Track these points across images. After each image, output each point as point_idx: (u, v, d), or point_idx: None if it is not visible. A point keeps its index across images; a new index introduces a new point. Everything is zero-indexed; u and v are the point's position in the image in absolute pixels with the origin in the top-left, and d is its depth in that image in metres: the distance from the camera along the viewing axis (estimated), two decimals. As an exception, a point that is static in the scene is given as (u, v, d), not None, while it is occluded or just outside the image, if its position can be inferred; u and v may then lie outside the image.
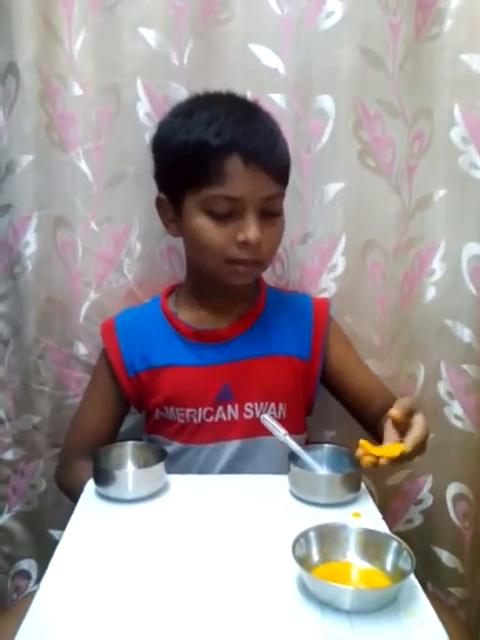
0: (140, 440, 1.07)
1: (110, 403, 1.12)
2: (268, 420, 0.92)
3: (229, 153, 0.93)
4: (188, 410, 1.05)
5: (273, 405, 1.06)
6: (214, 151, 0.93)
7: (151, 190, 1.18)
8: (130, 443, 0.93)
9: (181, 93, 1.14)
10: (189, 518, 0.83)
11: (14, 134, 1.15)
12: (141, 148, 1.16)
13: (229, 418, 1.04)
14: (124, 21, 1.13)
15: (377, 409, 1.03)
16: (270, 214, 0.98)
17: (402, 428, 0.88)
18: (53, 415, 1.29)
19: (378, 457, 0.82)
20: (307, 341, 1.09)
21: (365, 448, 0.84)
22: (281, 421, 0.97)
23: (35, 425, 1.30)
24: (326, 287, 1.22)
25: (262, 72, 1.13)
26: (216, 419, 1.04)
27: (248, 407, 1.05)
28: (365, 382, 1.12)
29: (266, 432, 0.94)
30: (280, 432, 0.91)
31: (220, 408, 1.04)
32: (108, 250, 1.23)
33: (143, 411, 1.14)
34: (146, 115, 1.16)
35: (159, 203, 1.06)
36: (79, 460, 1.09)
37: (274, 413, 1.05)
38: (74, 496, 0.94)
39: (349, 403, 1.13)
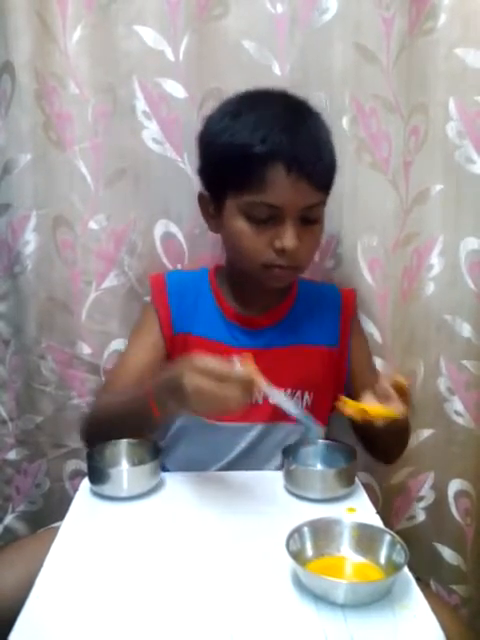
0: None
1: (156, 350, 1.09)
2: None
3: (273, 161, 0.92)
4: None
5: (299, 393, 1.07)
6: (257, 158, 0.92)
7: (150, 188, 1.19)
8: (124, 441, 0.93)
9: (177, 90, 1.15)
10: (184, 515, 0.83)
11: (11, 133, 1.16)
12: (138, 146, 1.18)
13: (254, 401, 1.04)
14: (119, 18, 1.13)
15: None
16: (310, 221, 0.98)
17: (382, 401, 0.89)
18: (56, 415, 1.30)
19: (366, 412, 0.85)
20: (336, 328, 1.11)
21: (348, 402, 0.87)
22: (307, 409, 0.99)
23: (38, 425, 1.31)
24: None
25: (256, 69, 1.13)
26: None
27: None
28: (370, 384, 1.10)
29: (288, 418, 0.93)
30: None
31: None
32: (108, 248, 1.23)
33: None
34: (143, 113, 1.16)
35: (201, 199, 1.06)
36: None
37: (300, 401, 1.06)
38: (102, 420, 0.99)
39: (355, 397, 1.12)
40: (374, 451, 1.12)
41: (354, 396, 1.08)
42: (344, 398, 0.89)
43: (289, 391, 1.05)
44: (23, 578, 0.83)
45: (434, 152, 1.18)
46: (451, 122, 1.15)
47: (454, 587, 1.32)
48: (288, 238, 0.95)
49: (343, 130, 1.15)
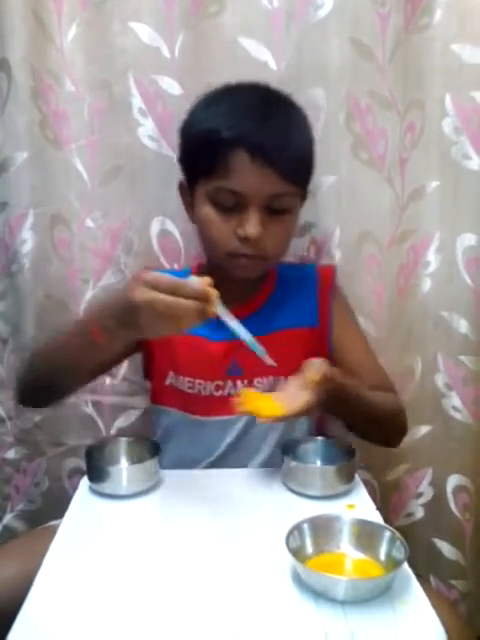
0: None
1: None
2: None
3: (237, 146, 0.92)
4: (197, 381, 1.05)
5: (283, 379, 1.03)
6: (223, 143, 0.92)
7: (146, 185, 1.19)
8: (123, 439, 0.93)
9: (173, 87, 1.15)
10: (183, 512, 0.83)
11: (8, 132, 1.16)
12: (134, 143, 1.17)
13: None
14: (114, 15, 1.13)
15: None
16: (278, 211, 0.97)
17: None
18: (54, 414, 1.29)
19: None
20: (314, 308, 1.09)
21: (245, 396, 0.87)
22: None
23: (36, 423, 1.31)
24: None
25: (252, 66, 1.12)
26: (225, 393, 1.04)
27: (258, 382, 1.04)
28: (357, 357, 1.10)
29: None
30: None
31: (229, 382, 1.05)
32: (104, 246, 1.23)
33: (152, 378, 1.13)
34: (139, 110, 1.16)
35: (180, 188, 1.06)
36: None
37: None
38: (39, 366, 0.96)
39: None
40: (368, 438, 1.09)
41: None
42: (244, 391, 0.90)
43: (272, 378, 1.04)
44: (18, 575, 0.84)
45: (430, 148, 1.17)
46: (447, 118, 1.15)
47: (453, 582, 1.32)
48: (250, 225, 0.94)
49: (340, 126, 1.15)
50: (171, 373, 1.08)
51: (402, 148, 1.18)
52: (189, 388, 1.06)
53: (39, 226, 1.20)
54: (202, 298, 0.76)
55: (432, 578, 1.33)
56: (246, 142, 0.92)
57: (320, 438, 0.92)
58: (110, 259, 1.24)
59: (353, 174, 1.18)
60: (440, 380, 1.27)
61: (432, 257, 1.22)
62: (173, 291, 0.75)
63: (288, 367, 1.02)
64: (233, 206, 0.95)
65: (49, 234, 1.21)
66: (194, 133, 0.99)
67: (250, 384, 1.05)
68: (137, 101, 1.16)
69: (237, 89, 1.01)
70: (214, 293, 0.78)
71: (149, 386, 1.16)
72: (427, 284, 1.24)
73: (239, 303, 1.06)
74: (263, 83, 1.02)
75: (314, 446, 0.91)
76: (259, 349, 0.87)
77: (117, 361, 1.14)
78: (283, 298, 1.10)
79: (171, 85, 1.15)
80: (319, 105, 1.14)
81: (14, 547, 1.01)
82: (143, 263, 1.22)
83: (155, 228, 1.22)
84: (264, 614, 0.63)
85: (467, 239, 1.19)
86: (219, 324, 1.00)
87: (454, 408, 1.26)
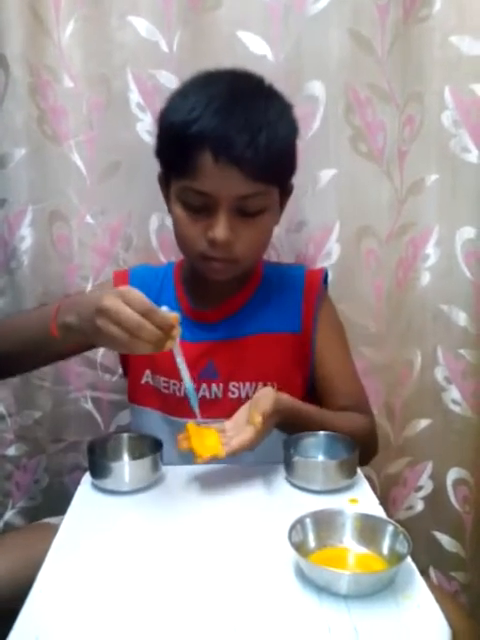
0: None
1: None
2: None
3: (201, 145, 0.86)
4: (172, 381, 1.03)
5: (261, 385, 1.01)
6: (189, 141, 0.87)
7: (145, 181, 1.18)
8: (125, 435, 0.92)
9: (171, 81, 1.14)
10: (186, 508, 0.82)
11: (6, 128, 1.15)
12: (133, 139, 1.17)
13: (213, 397, 1.02)
14: (112, 10, 1.13)
15: (335, 409, 1.00)
16: (249, 213, 0.91)
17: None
18: (54, 410, 1.30)
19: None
20: (297, 313, 1.04)
21: (189, 431, 0.85)
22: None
23: (36, 420, 1.31)
24: (321, 275, 1.21)
25: (251, 59, 1.12)
26: (198, 396, 0.97)
27: (233, 386, 1.02)
28: (335, 373, 1.05)
29: None
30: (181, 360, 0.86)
31: (204, 385, 1.02)
32: (103, 243, 1.23)
33: (129, 376, 1.11)
34: (137, 105, 1.16)
35: (159, 179, 1.00)
36: None
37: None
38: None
39: (315, 389, 1.06)
40: None
41: (319, 387, 1.05)
42: (189, 426, 0.87)
43: (249, 384, 1.02)
44: (15, 568, 0.85)
45: (429, 141, 1.17)
46: (446, 111, 1.15)
47: (453, 574, 1.33)
48: (217, 229, 0.89)
49: (339, 119, 1.15)
50: (148, 371, 1.06)
51: (401, 141, 1.18)
52: (165, 388, 1.04)
53: (38, 222, 1.20)
54: (166, 330, 0.75)
55: (432, 570, 1.33)
56: (209, 140, 0.86)
57: (322, 432, 0.91)
58: (109, 256, 1.23)
59: (352, 167, 1.18)
60: (440, 373, 1.27)
61: (431, 250, 1.22)
62: (143, 312, 0.73)
63: (267, 373, 1.02)
64: (202, 207, 0.90)
65: (48, 230, 1.21)
66: (165, 126, 0.94)
67: (225, 388, 1.02)
68: (135, 96, 1.16)
69: (212, 80, 0.93)
70: (178, 332, 0.77)
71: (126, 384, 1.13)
72: (426, 277, 1.24)
73: (219, 303, 1.04)
74: (244, 71, 0.95)
75: (316, 440, 0.91)
76: (194, 398, 0.88)
77: (75, 353, 1.11)
78: (266, 300, 1.05)
79: (169, 79, 1.14)
80: (318, 98, 1.14)
81: (8, 540, 1.01)
82: (142, 259, 1.22)
83: (154, 224, 1.22)
84: (267, 609, 0.63)
85: (466, 232, 1.19)
86: (198, 326, 1.00)
87: (454, 401, 1.26)
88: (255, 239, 0.95)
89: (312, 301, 1.04)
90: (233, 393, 1.02)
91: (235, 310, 1.04)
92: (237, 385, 1.02)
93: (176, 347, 0.81)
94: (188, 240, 0.94)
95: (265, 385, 1.00)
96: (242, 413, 0.89)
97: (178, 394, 1.03)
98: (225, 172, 0.86)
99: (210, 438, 0.85)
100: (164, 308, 0.77)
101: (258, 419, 0.83)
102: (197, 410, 0.88)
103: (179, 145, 0.88)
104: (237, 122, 0.86)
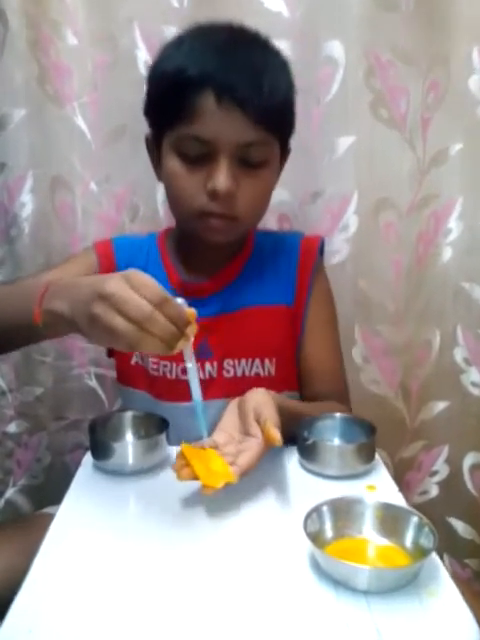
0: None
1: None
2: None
3: (202, 87, 0.81)
4: (162, 363, 0.98)
5: (258, 361, 0.97)
6: (188, 83, 0.81)
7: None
8: (129, 413, 0.88)
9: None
10: (193, 491, 0.79)
11: (4, 86, 1.11)
12: (141, 101, 1.10)
13: (207, 376, 0.96)
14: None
15: (312, 393, 0.97)
16: (252, 164, 0.86)
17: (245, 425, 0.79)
18: (56, 386, 1.28)
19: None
20: (291, 283, 0.99)
21: (187, 455, 0.74)
22: (271, 378, 0.92)
23: (38, 397, 1.29)
24: (338, 249, 1.18)
25: (265, 16, 1.07)
26: None
27: (228, 364, 0.97)
28: (319, 355, 1.00)
29: (243, 392, 0.84)
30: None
31: (197, 366, 0.97)
32: (109, 211, 1.19)
33: (117, 355, 1.06)
34: (145, 64, 1.11)
35: (147, 143, 0.95)
36: None
37: (260, 370, 0.97)
38: None
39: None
40: None
41: (298, 368, 1.01)
42: (185, 450, 0.75)
43: (245, 360, 0.97)
44: (13, 559, 0.81)
45: (454, 108, 1.12)
46: (474, 75, 1.10)
47: (467, 561, 1.31)
48: (219, 177, 0.83)
49: (359, 82, 1.10)
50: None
51: (424, 107, 1.13)
52: (154, 370, 0.98)
53: (39, 189, 1.17)
54: (181, 326, 0.65)
55: (446, 557, 1.31)
56: (212, 81, 0.81)
57: (338, 414, 0.86)
58: (115, 225, 1.20)
59: (372, 134, 1.13)
60: (459, 354, 1.23)
61: (454, 224, 1.18)
62: (157, 302, 0.62)
63: (263, 348, 0.98)
64: (201, 156, 0.84)
65: (50, 197, 1.18)
66: (158, 74, 0.88)
67: (220, 366, 0.96)
68: (143, 53, 1.11)
69: (209, 28, 0.89)
70: (193, 330, 0.67)
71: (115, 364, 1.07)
72: (448, 253, 1.20)
73: (211, 274, 0.99)
74: (238, 24, 0.89)
75: (332, 423, 0.86)
76: (202, 416, 0.76)
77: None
78: (258, 270, 0.99)
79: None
80: (337, 59, 1.09)
81: (7, 531, 0.97)
82: (149, 230, 1.16)
83: (162, 193, 1.17)
84: (280, 603, 0.59)
85: (491, 205, 1.15)
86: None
87: (473, 384, 1.23)
88: (257, 194, 0.89)
89: (308, 272, 0.99)
90: (228, 371, 0.97)
91: (228, 282, 0.98)
92: (232, 363, 0.97)
93: (188, 349, 0.70)
94: (185, 195, 0.87)
95: (262, 361, 0.96)
96: (229, 420, 0.82)
97: (169, 376, 0.97)
98: (228, 115, 0.81)
99: (214, 462, 0.74)
100: (179, 300, 0.67)
101: (278, 436, 0.73)
102: (206, 431, 0.78)
103: (177, 90, 0.82)
104: (241, 64, 0.82)
